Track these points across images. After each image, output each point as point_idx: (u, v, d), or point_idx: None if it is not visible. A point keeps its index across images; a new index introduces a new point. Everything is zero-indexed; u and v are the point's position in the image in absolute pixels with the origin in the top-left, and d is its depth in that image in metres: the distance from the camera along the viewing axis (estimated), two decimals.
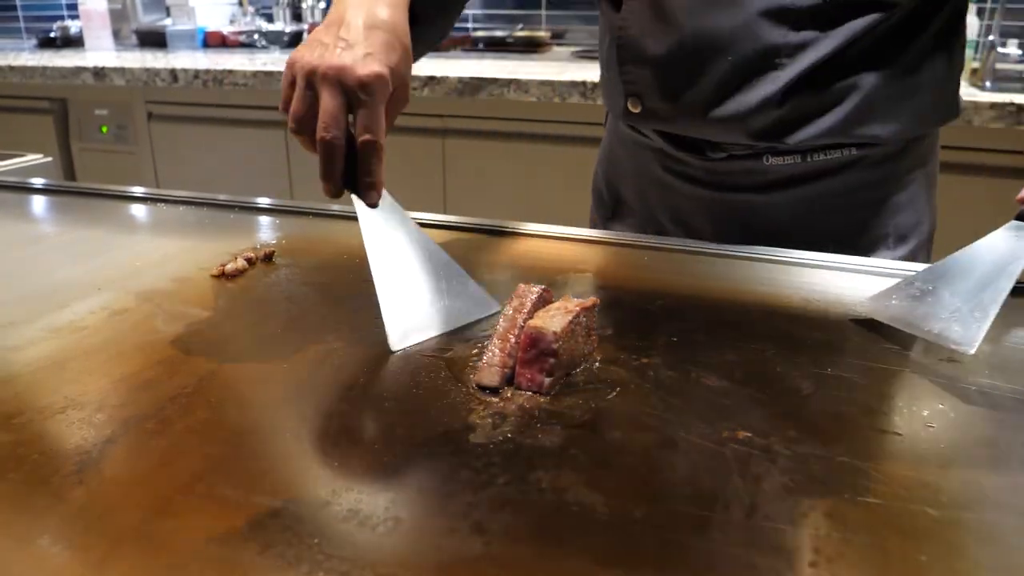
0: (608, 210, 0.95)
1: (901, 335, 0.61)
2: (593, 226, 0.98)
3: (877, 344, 0.60)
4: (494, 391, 0.52)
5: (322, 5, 2.62)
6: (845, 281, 0.73)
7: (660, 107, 0.78)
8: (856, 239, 0.80)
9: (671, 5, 0.73)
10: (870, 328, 0.63)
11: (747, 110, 0.70)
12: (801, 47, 0.68)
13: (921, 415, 0.50)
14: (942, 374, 0.56)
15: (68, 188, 1.04)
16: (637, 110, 0.80)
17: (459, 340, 0.61)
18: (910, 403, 0.52)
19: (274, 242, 0.83)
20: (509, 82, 1.77)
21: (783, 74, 0.70)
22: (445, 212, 1.69)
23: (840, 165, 0.75)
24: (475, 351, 0.59)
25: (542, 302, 0.57)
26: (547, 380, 0.52)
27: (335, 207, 0.95)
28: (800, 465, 0.45)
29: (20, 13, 3.07)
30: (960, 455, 0.47)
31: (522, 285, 0.58)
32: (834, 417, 0.50)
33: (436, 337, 0.61)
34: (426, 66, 1.98)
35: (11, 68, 2.21)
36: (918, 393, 0.53)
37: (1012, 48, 1.66)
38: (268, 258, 0.78)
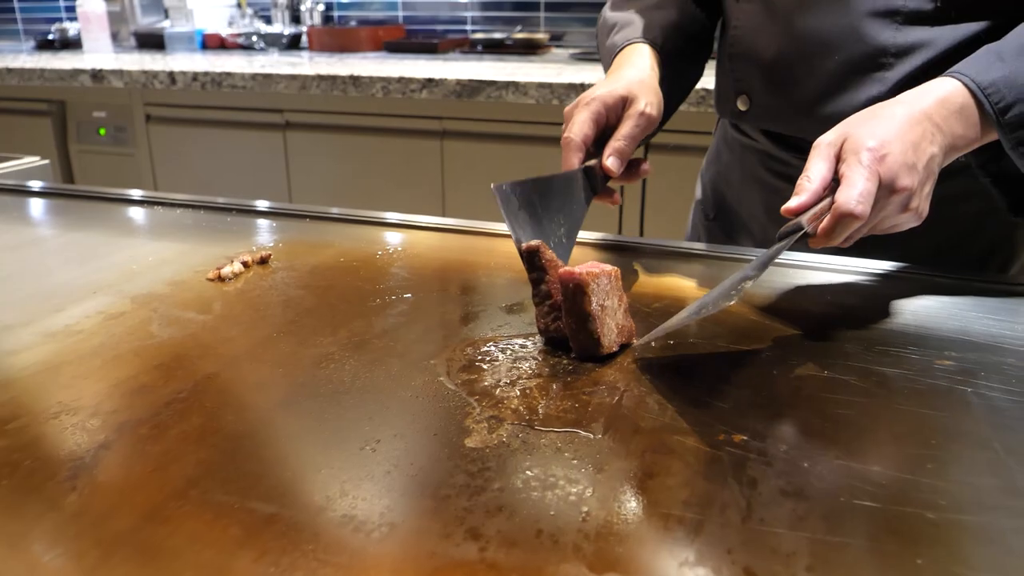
0: (711, 211, 0.96)
1: (900, 339, 0.61)
2: (693, 231, 1.00)
3: (875, 347, 0.60)
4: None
5: (320, 7, 2.62)
6: (841, 283, 0.73)
7: (768, 105, 0.79)
8: (960, 251, 0.79)
9: (781, 4, 0.74)
10: (869, 332, 0.63)
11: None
12: (910, 49, 0.68)
13: (919, 417, 0.50)
14: (941, 377, 0.55)
15: (65, 191, 1.04)
16: (745, 108, 0.82)
17: (455, 341, 0.61)
18: (908, 406, 0.52)
19: (271, 245, 0.83)
20: (507, 84, 1.77)
21: (891, 75, 0.69)
22: (444, 214, 1.69)
23: (949, 171, 0.73)
24: (470, 352, 0.59)
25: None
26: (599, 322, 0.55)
27: (334, 210, 0.96)
28: (797, 468, 0.44)
29: (18, 15, 3.07)
30: (958, 458, 0.46)
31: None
32: (831, 420, 0.50)
33: (434, 341, 0.61)
34: (424, 68, 1.98)
35: (9, 70, 2.21)
36: (916, 396, 0.53)
37: None
38: (264, 261, 0.78)
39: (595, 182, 0.70)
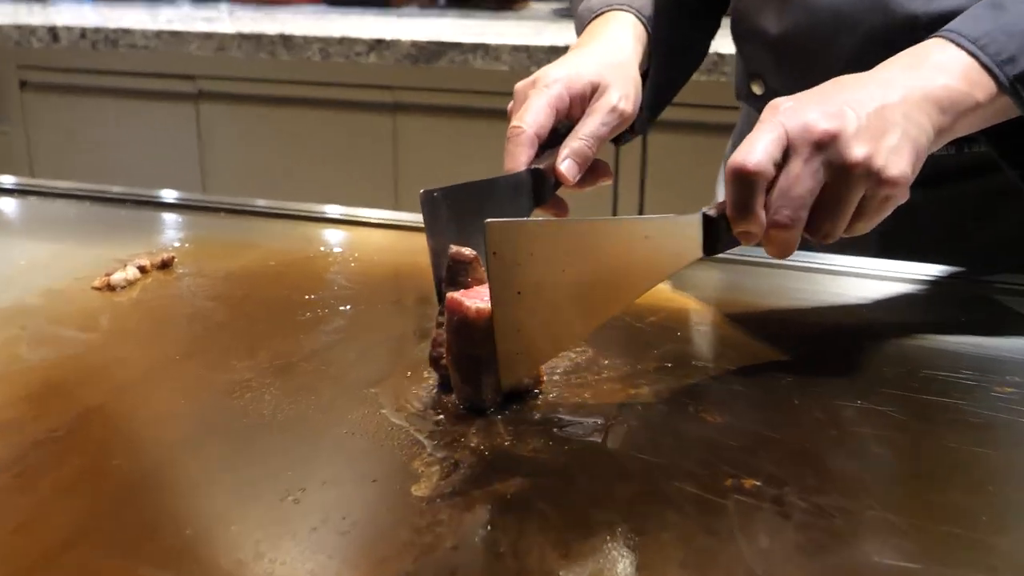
0: None
1: (947, 360, 0.62)
2: None
3: (920, 372, 0.61)
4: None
5: None
6: (878, 292, 0.74)
7: (783, 89, 0.79)
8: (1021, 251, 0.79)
9: None
10: (913, 352, 0.64)
11: None
12: (944, 17, 0.66)
13: (972, 458, 0.51)
14: (1001, 408, 0.56)
15: None
16: (761, 92, 0.83)
17: (404, 364, 0.61)
18: (959, 443, 0.53)
19: (175, 246, 0.82)
20: (475, 47, 1.78)
21: None
22: (396, 207, 1.69)
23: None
24: (422, 378, 0.59)
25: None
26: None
27: (258, 202, 0.96)
28: (820, 521, 0.45)
29: None
30: (1020, 509, 0.47)
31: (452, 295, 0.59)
32: (864, 461, 0.51)
33: (377, 365, 0.62)
34: (373, 26, 1.98)
35: None
36: (969, 432, 0.54)
37: None
38: (166, 265, 0.77)
39: (543, 188, 0.68)
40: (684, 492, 0.47)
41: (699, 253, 0.58)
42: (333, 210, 0.95)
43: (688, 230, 0.58)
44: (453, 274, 0.58)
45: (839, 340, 0.67)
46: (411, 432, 0.53)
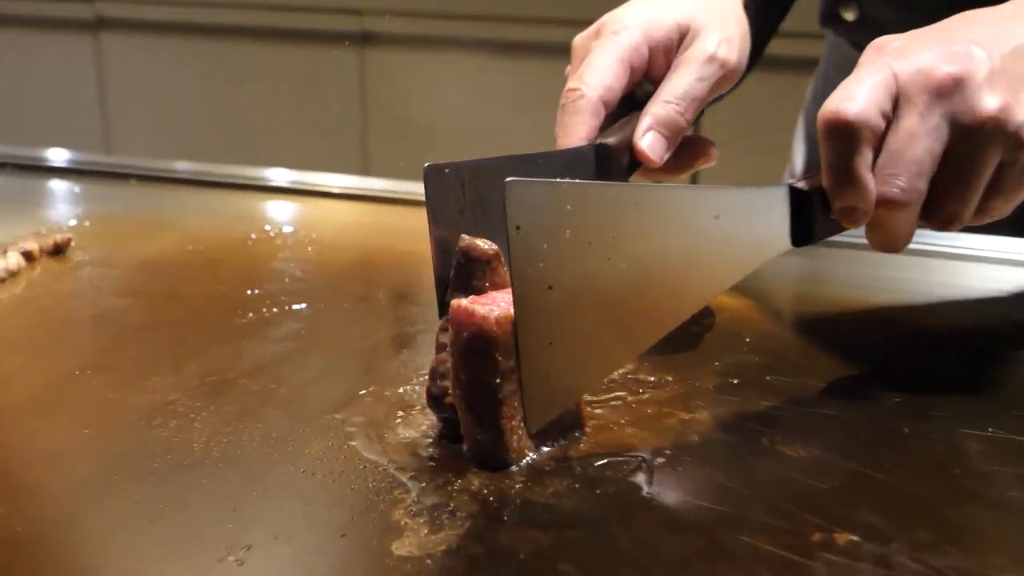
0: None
1: None
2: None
3: None
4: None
5: None
6: (1013, 282, 0.74)
7: (884, 15, 0.82)
8: None
9: None
10: None
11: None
12: None
13: None
14: None
15: None
16: (852, 17, 0.85)
17: (378, 382, 0.62)
18: None
19: (72, 224, 0.83)
20: None
21: None
22: (366, 172, 1.70)
23: None
24: (402, 399, 0.59)
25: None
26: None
27: (179, 166, 0.96)
28: None
29: None
30: None
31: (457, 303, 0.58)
32: (996, 509, 0.51)
33: (343, 382, 0.63)
34: None
35: None
36: None
37: None
38: (60, 251, 0.78)
39: (611, 171, 0.67)
40: (756, 550, 0.47)
41: (786, 243, 0.57)
42: (280, 176, 0.95)
43: (770, 210, 0.57)
44: (464, 275, 0.57)
45: (961, 347, 0.67)
46: (391, 471, 0.53)
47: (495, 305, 0.53)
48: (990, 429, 0.57)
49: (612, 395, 0.60)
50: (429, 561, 0.47)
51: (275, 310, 0.71)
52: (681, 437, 0.57)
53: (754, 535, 0.48)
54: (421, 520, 0.49)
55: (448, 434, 0.57)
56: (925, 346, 0.67)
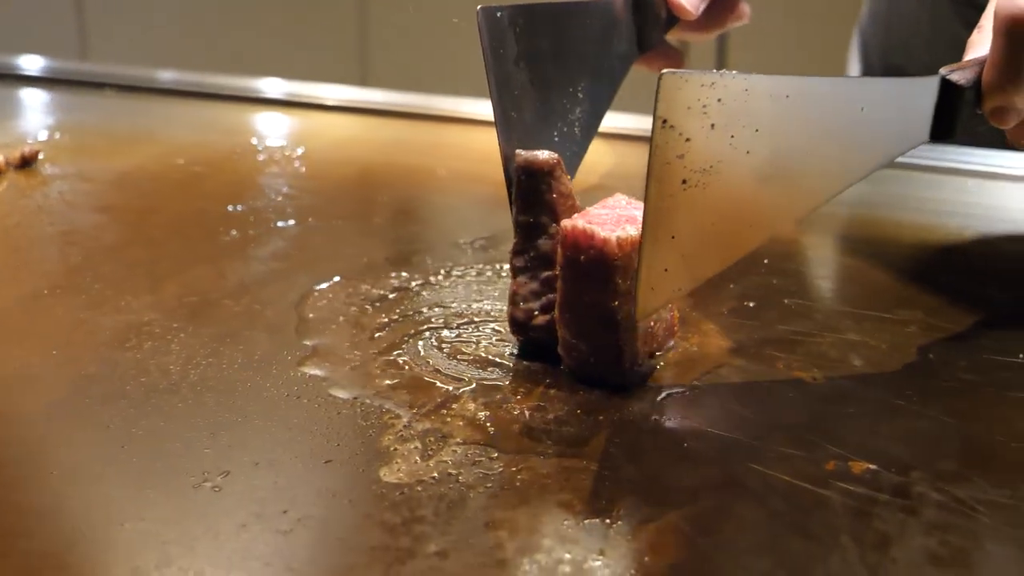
0: None
1: None
2: None
3: None
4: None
5: None
6: None
7: None
8: None
9: None
10: None
11: None
12: None
13: None
14: None
15: None
16: None
17: (370, 305, 0.62)
18: None
19: (43, 136, 0.83)
20: None
21: None
22: (363, 82, 1.68)
23: None
24: (396, 325, 0.59)
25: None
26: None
27: (165, 75, 0.95)
28: (962, 520, 0.45)
29: None
30: None
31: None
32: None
33: (333, 304, 0.63)
34: None
35: None
36: None
37: None
38: (28, 163, 0.77)
39: (647, 25, 0.68)
40: (769, 480, 0.47)
41: (925, 135, 0.58)
42: (272, 87, 0.94)
43: (917, 101, 0.57)
44: (530, 192, 0.58)
45: (997, 270, 0.66)
46: (381, 395, 0.53)
47: (611, 224, 0.54)
48: (1021, 356, 0.57)
49: None
50: (420, 488, 0.47)
51: (260, 228, 0.71)
52: (691, 363, 0.57)
53: (767, 464, 0.49)
54: (412, 446, 0.50)
55: (528, 352, 0.59)
56: (957, 269, 0.67)
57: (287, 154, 0.84)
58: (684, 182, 0.49)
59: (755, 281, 0.65)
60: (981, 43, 0.59)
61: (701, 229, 0.51)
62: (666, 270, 0.51)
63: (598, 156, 0.77)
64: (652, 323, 0.57)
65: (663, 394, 0.54)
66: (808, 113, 0.52)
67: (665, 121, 0.48)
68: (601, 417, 0.52)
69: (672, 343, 0.59)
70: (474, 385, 0.55)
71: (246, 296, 0.63)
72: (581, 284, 0.54)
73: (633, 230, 0.53)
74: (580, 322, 0.55)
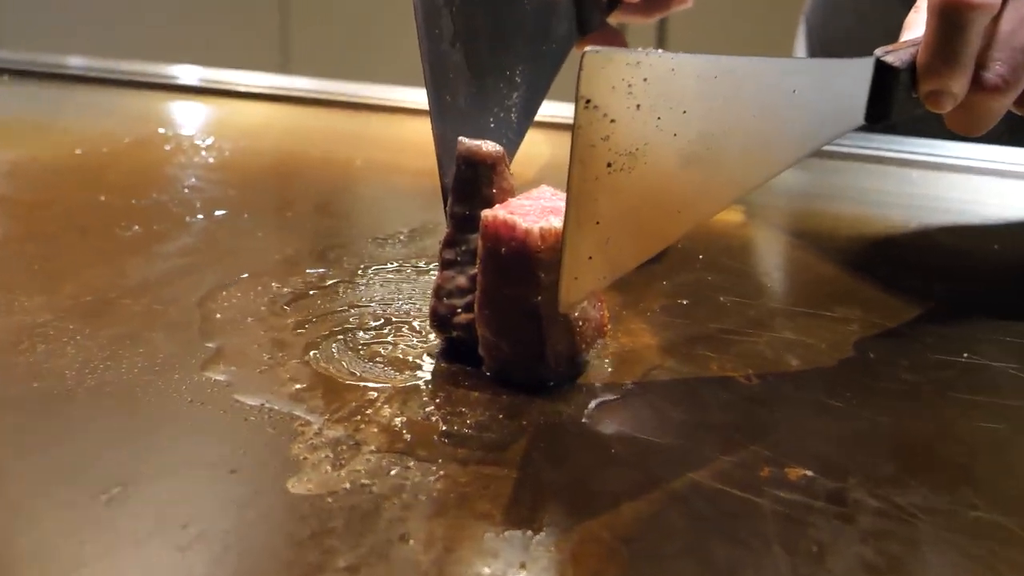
0: None
1: None
2: None
3: None
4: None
5: None
6: (1006, 193, 0.75)
7: None
8: None
9: None
10: None
11: None
12: None
13: None
14: None
15: None
16: None
17: (282, 305, 0.62)
18: None
19: None
20: None
21: None
22: (284, 69, 1.67)
23: None
24: (309, 326, 0.59)
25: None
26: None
27: (74, 62, 0.94)
28: (900, 527, 0.45)
29: None
30: None
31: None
32: (965, 442, 0.51)
33: (243, 304, 0.62)
34: None
35: None
36: None
37: None
38: None
39: (589, 8, 0.69)
40: (699, 487, 0.47)
41: (859, 118, 0.58)
42: (187, 74, 0.93)
43: (850, 83, 0.58)
44: (469, 184, 0.57)
45: (942, 265, 0.67)
46: (291, 401, 0.53)
47: (535, 216, 0.53)
48: (965, 355, 0.57)
49: None
50: (330, 499, 0.46)
51: (166, 223, 0.70)
52: (621, 363, 0.57)
53: (698, 471, 0.49)
54: (323, 455, 0.49)
55: (450, 354, 0.58)
56: (899, 264, 0.68)
57: (196, 143, 0.83)
58: (609, 165, 0.49)
59: (688, 277, 0.65)
60: (917, 23, 0.60)
61: (626, 214, 0.51)
62: (590, 258, 0.51)
63: (535, 147, 0.77)
64: (580, 322, 0.57)
65: (589, 396, 0.54)
66: (737, 94, 0.53)
67: (588, 101, 0.47)
68: (524, 421, 0.52)
69: (601, 342, 0.58)
70: (391, 389, 0.54)
71: (147, 295, 0.62)
72: (502, 278, 0.54)
73: (557, 221, 0.53)
74: (501, 318, 0.55)
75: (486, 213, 0.54)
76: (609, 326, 0.59)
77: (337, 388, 0.54)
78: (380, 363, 0.57)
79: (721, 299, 0.63)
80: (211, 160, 0.80)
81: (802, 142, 0.57)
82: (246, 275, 0.65)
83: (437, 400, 0.54)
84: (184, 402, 0.53)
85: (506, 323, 0.55)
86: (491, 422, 0.52)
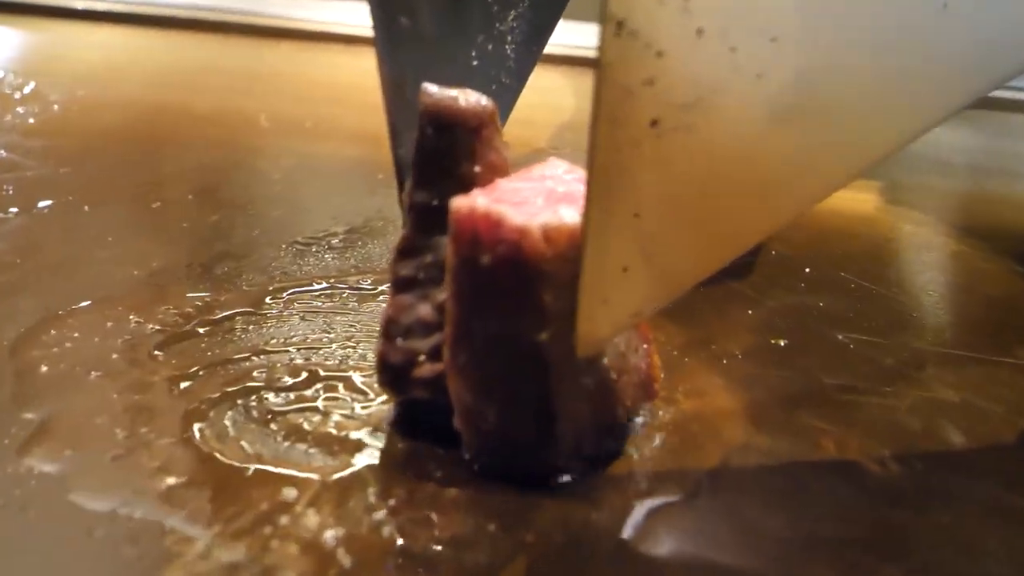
0: None
1: None
2: None
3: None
4: None
5: None
6: None
7: None
8: None
9: None
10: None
11: None
12: None
13: None
14: None
15: None
16: None
17: (132, 364, 0.62)
18: None
19: None
20: None
21: None
22: None
23: None
24: (196, 383, 0.59)
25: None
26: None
27: None
28: None
29: None
30: None
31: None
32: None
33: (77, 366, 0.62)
34: None
35: None
36: None
37: None
38: None
39: None
40: None
41: None
42: None
43: None
44: (438, 155, 0.57)
45: None
46: (161, 504, 0.53)
47: (535, 205, 0.53)
48: None
49: None
50: None
51: None
52: (684, 442, 0.57)
53: None
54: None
55: (408, 426, 0.59)
56: None
57: (6, 93, 0.83)
58: (654, 124, 0.48)
59: (788, 302, 0.66)
60: None
61: (682, 202, 0.51)
62: (625, 270, 0.50)
63: (545, 96, 0.77)
64: (614, 374, 0.57)
65: (632, 497, 0.54)
66: (857, 11, 0.52)
67: (621, 24, 0.46)
68: (528, 537, 0.52)
69: (648, 408, 0.59)
70: (318, 484, 0.55)
71: None
72: (485, 304, 0.53)
73: (572, 214, 0.52)
74: (485, 370, 0.54)
75: (459, 203, 0.53)
76: (661, 380, 0.59)
77: (234, 482, 0.54)
78: (302, 442, 0.57)
79: (839, 337, 0.64)
80: (31, 120, 0.80)
81: (959, 84, 0.57)
82: (87, 302, 0.65)
83: (391, 501, 0.54)
84: (32, 511, 0.53)
85: (493, 377, 0.54)
86: (476, 537, 0.52)
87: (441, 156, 0.56)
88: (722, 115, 0.49)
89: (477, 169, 0.56)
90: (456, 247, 0.52)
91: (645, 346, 0.58)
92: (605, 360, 0.55)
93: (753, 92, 0.50)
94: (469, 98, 0.56)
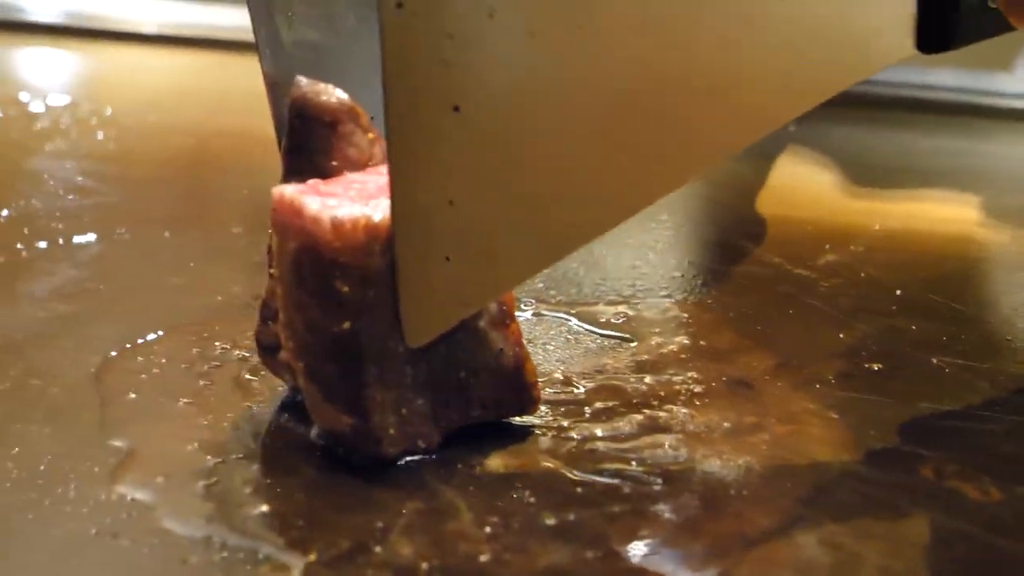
0: None
1: None
2: None
3: None
4: None
5: None
6: None
7: None
8: None
9: None
10: None
11: None
12: None
13: None
14: None
15: None
16: None
17: (213, 389, 0.62)
18: None
19: None
20: None
21: None
22: None
23: None
24: (253, 431, 0.59)
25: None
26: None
27: None
28: None
29: None
30: None
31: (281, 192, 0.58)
32: None
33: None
34: None
35: None
36: None
37: None
38: None
39: None
40: None
41: (907, 47, 0.58)
42: (45, 7, 0.95)
43: None
44: (300, 147, 0.58)
45: None
46: (252, 531, 0.53)
47: (342, 193, 0.54)
48: None
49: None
50: None
51: (38, 247, 0.70)
52: (769, 465, 0.57)
53: None
54: None
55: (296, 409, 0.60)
56: None
57: (81, 118, 0.83)
58: (457, 109, 0.48)
59: (880, 326, 0.65)
60: None
61: (498, 189, 0.51)
62: (448, 259, 0.51)
63: None
64: (463, 372, 0.57)
65: (729, 529, 0.54)
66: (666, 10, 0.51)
67: (401, 4, 0.46)
68: (622, 564, 0.52)
69: (520, 416, 0.59)
70: (412, 511, 0.54)
71: (14, 365, 0.63)
72: (298, 292, 0.54)
73: (379, 207, 0.53)
74: (306, 359, 0.55)
75: (275, 191, 0.54)
76: (540, 395, 0.59)
77: (329, 510, 0.55)
78: (395, 469, 0.57)
79: (934, 361, 0.63)
80: (109, 144, 0.80)
81: (801, 89, 0.56)
82: (171, 329, 0.66)
83: (487, 529, 0.53)
84: (86, 535, 0.53)
85: (313, 367, 0.55)
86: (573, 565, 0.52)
87: (302, 147, 0.57)
88: (529, 101, 0.49)
89: (334, 163, 0.57)
90: (273, 231, 0.54)
91: (518, 349, 0.57)
92: (443, 351, 0.56)
93: (560, 80, 0.49)
94: (328, 94, 0.57)
